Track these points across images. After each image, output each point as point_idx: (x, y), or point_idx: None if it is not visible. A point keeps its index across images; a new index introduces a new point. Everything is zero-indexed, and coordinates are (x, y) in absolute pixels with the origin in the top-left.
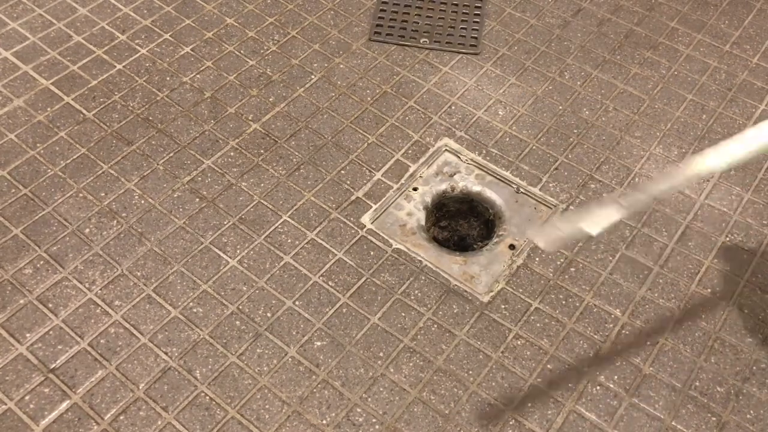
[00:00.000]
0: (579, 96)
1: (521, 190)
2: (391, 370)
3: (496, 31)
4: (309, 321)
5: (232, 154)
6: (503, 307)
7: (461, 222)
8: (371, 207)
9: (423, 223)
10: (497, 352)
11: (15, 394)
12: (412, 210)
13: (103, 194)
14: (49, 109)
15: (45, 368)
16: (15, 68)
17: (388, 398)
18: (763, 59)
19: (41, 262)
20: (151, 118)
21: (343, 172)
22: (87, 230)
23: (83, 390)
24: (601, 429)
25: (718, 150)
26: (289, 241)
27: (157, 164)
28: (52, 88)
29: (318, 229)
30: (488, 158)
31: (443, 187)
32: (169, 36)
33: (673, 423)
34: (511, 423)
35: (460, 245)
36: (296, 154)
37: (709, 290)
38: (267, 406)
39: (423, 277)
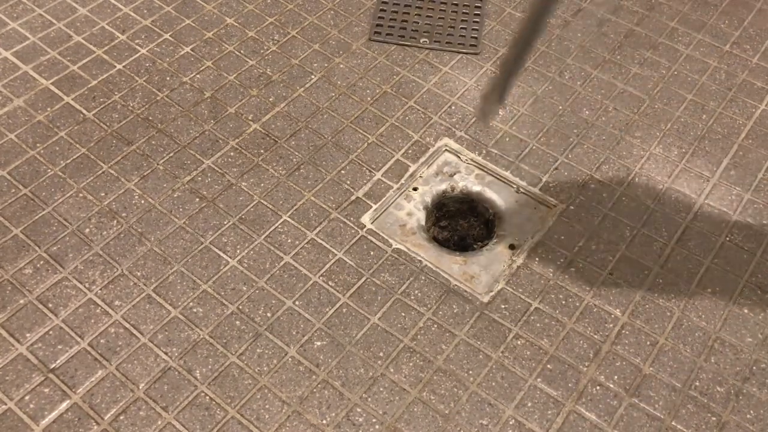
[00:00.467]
0: (579, 96)
1: (521, 190)
2: (391, 370)
3: (496, 31)
4: (309, 321)
5: (232, 154)
6: (503, 307)
7: (461, 222)
8: (371, 207)
9: (423, 223)
10: (497, 352)
11: (15, 394)
12: (412, 210)
13: (103, 194)
14: (49, 109)
15: (45, 368)
16: (15, 68)
17: (388, 398)
18: (763, 59)
19: (41, 262)
20: (151, 118)
21: (343, 172)
22: (87, 230)
23: (83, 390)
24: (601, 429)
25: None
26: (289, 241)
27: (157, 164)
28: (52, 88)
29: (318, 229)
30: (488, 158)
31: (443, 187)
32: (169, 36)
33: (673, 423)
34: (511, 423)
35: (460, 245)
36: (296, 154)
37: (709, 290)
38: (267, 406)
39: (423, 277)
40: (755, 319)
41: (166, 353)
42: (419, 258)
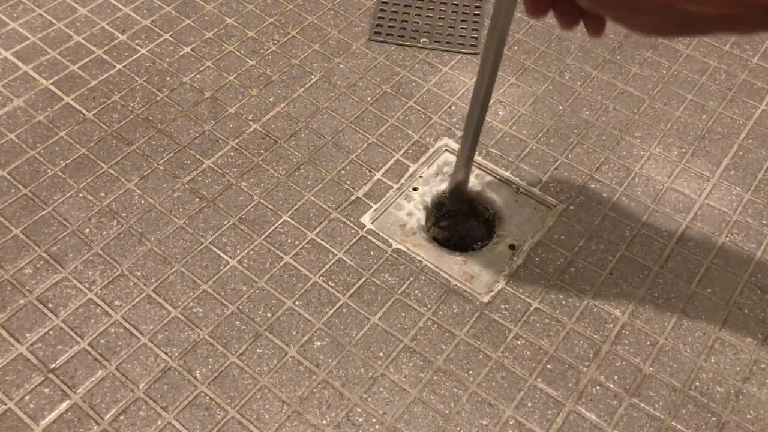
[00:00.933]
0: (579, 96)
1: (521, 190)
2: (391, 370)
3: None
4: (309, 321)
5: (232, 154)
6: (503, 307)
7: (461, 222)
8: (371, 207)
9: (423, 223)
10: (497, 352)
11: (15, 394)
12: (412, 210)
13: (103, 194)
14: (49, 109)
15: (45, 368)
16: (15, 68)
17: (388, 398)
18: (763, 59)
19: (41, 262)
20: (151, 118)
21: (343, 172)
22: (87, 230)
23: (83, 390)
24: (601, 429)
25: None
26: (289, 241)
27: (157, 164)
28: (52, 88)
29: (318, 229)
30: (488, 158)
31: (443, 187)
32: (169, 36)
33: (673, 423)
34: (511, 423)
35: (460, 245)
36: (296, 154)
37: (709, 290)
38: (267, 406)
39: (423, 277)
40: (755, 319)
41: (166, 353)
42: (419, 258)
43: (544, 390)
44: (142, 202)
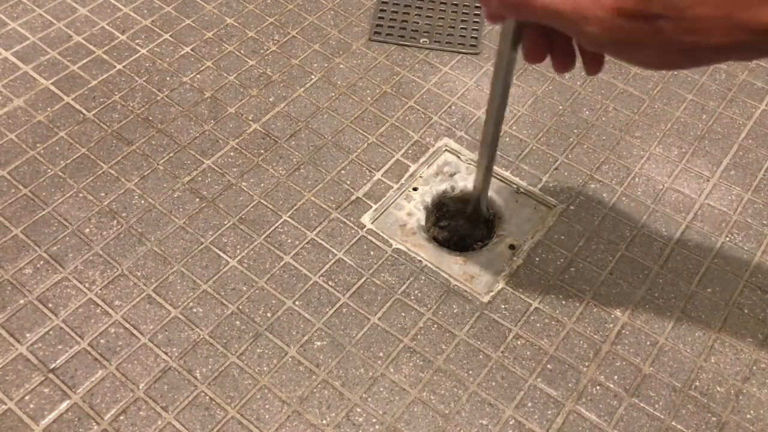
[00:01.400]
0: (579, 96)
1: (521, 190)
2: (391, 370)
3: (496, 31)
4: (309, 321)
5: (232, 154)
6: (503, 307)
7: (461, 222)
8: (371, 207)
9: (423, 223)
10: (497, 352)
11: (15, 394)
12: (412, 210)
13: (103, 194)
14: (49, 109)
15: (45, 368)
16: (15, 68)
17: (388, 398)
18: (763, 59)
19: (41, 262)
20: (151, 118)
21: (343, 172)
22: (87, 230)
23: (83, 390)
24: (601, 429)
25: None
26: (289, 241)
27: (157, 164)
28: (52, 88)
29: (318, 229)
30: None
31: (443, 187)
32: (169, 36)
33: (673, 423)
34: (511, 423)
35: (460, 245)
36: (296, 154)
37: (709, 290)
38: (267, 406)
39: (423, 277)
40: (755, 319)
41: (166, 353)
42: (419, 258)
43: (544, 390)
44: (142, 202)
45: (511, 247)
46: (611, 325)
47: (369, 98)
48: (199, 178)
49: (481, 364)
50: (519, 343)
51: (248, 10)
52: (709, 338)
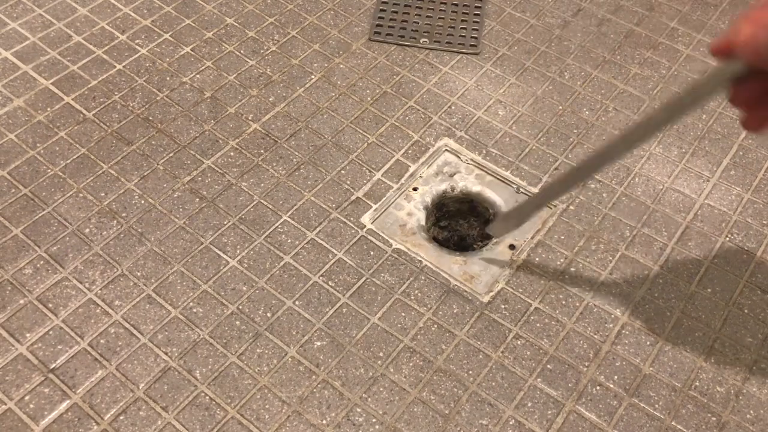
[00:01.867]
0: (579, 96)
1: (521, 190)
2: (391, 370)
3: (496, 31)
4: (309, 321)
5: (232, 154)
6: (503, 307)
7: (461, 222)
8: (371, 207)
9: (423, 223)
10: (497, 352)
11: (15, 394)
12: (412, 210)
13: (103, 194)
14: (49, 109)
15: (45, 368)
16: (15, 68)
17: (388, 398)
18: None
19: (41, 262)
20: (151, 118)
21: (343, 172)
22: (87, 230)
23: (83, 390)
24: (601, 429)
25: None
26: (289, 241)
27: (157, 164)
28: (52, 88)
29: (318, 229)
30: (488, 158)
31: (443, 187)
32: (169, 36)
33: (673, 423)
34: (511, 423)
35: (460, 245)
36: (296, 154)
37: (709, 290)
38: (267, 406)
39: (423, 277)
40: (755, 319)
41: (166, 353)
42: (419, 258)
43: (544, 390)
44: (142, 202)
45: (511, 247)
46: (611, 325)
47: (369, 98)
48: (199, 178)
49: (481, 364)
50: (519, 343)
51: (248, 10)
52: (709, 338)
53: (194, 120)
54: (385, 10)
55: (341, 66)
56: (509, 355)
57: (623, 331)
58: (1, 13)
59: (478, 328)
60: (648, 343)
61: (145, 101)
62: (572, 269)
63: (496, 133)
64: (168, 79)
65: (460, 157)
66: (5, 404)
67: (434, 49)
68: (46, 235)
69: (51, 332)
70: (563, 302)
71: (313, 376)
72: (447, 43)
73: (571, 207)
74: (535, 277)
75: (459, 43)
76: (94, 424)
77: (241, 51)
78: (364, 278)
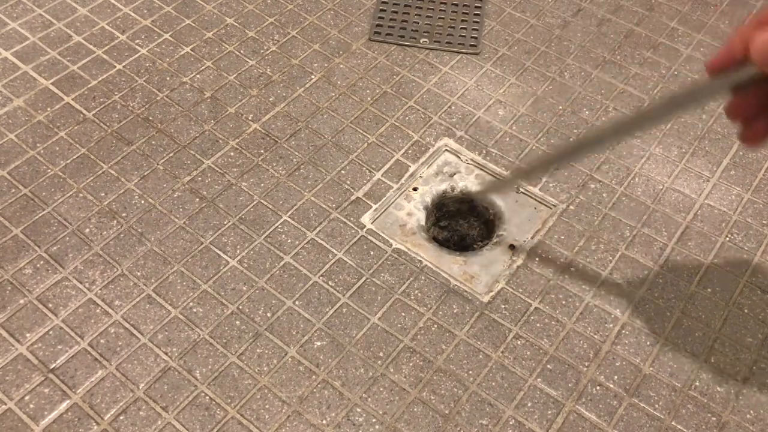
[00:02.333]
0: (579, 96)
1: (521, 190)
2: (391, 370)
3: (496, 31)
4: (309, 321)
5: (232, 154)
6: (503, 307)
7: (461, 222)
8: (371, 207)
9: (423, 223)
10: (497, 352)
11: (15, 394)
12: (412, 210)
13: (103, 194)
14: (49, 109)
15: (45, 368)
16: (15, 68)
17: (388, 398)
18: None
19: (41, 262)
20: (151, 118)
21: (343, 172)
22: (87, 230)
23: (83, 390)
24: (601, 429)
25: None
26: (289, 241)
27: (157, 164)
28: (52, 88)
29: (318, 229)
30: (488, 158)
31: (443, 187)
32: (169, 36)
33: (673, 423)
34: (511, 423)
35: (460, 245)
36: (296, 154)
37: (709, 290)
38: (267, 406)
39: (423, 277)
40: (755, 319)
41: (166, 353)
42: (419, 258)
43: (544, 390)
44: (142, 202)
45: (511, 247)
46: (611, 325)
47: (369, 98)
48: (199, 178)
49: (481, 364)
50: (519, 343)
51: (248, 10)
52: (709, 338)
53: (194, 120)
54: (385, 10)
55: (341, 66)
56: (509, 355)
57: (623, 331)
58: (1, 13)
59: (478, 328)
60: (648, 343)
61: (145, 101)
62: (572, 269)
63: (496, 133)
64: (168, 79)
65: (460, 157)
66: (5, 404)
67: (434, 49)
68: (46, 235)
69: (51, 332)
70: (563, 302)
71: (313, 376)
72: (447, 43)
73: (571, 207)
74: (535, 277)
75: (459, 43)
76: (94, 424)
77: (241, 51)
78: (364, 278)
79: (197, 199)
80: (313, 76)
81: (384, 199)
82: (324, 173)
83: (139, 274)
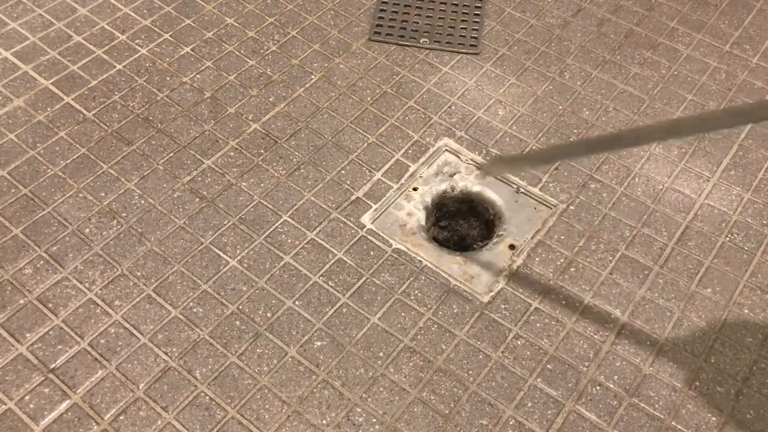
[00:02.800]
0: (579, 96)
1: (521, 190)
2: (391, 370)
3: (496, 31)
4: (309, 321)
5: (232, 154)
6: (503, 307)
7: (461, 222)
8: (371, 207)
9: (423, 223)
10: (497, 352)
11: (15, 394)
12: (412, 210)
13: (103, 194)
14: (49, 109)
15: (45, 368)
16: (15, 68)
17: (388, 398)
18: (763, 59)
19: (41, 262)
20: (151, 118)
21: (343, 172)
22: (87, 230)
23: (83, 390)
24: (601, 429)
25: None
26: (289, 241)
27: (157, 164)
28: (52, 88)
29: (318, 229)
30: (488, 158)
31: (443, 187)
32: (169, 36)
33: (673, 423)
34: (511, 423)
35: (460, 245)
36: (296, 154)
37: (709, 290)
38: (267, 406)
39: (423, 277)
40: (755, 319)
41: (166, 353)
42: (419, 258)
43: (544, 390)
44: (142, 202)
45: (511, 247)
46: (611, 325)
47: (369, 98)
48: (199, 178)
49: (481, 364)
50: (519, 343)
51: (248, 10)
52: (709, 338)
53: (194, 120)
54: (385, 10)
55: (341, 66)
56: (509, 355)
57: (623, 331)
58: (1, 13)
59: (478, 328)
60: (648, 343)
61: (145, 101)
62: (572, 269)
63: (496, 133)
64: (168, 79)
65: (460, 157)
66: (5, 404)
67: (434, 49)
68: (46, 235)
69: (51, 332)
70: (563, 302)
71: (313, 376)
72: (447, 43)
73: (571, 207)
74: (535, 277)
75: (459, 43)
76: (94, 424)
77: (241, 51)
78: (364, 278)
79: (197, 199)
80: (313, 76)
81: (384, 199)
82: (324, 173)
83: (139, 274)
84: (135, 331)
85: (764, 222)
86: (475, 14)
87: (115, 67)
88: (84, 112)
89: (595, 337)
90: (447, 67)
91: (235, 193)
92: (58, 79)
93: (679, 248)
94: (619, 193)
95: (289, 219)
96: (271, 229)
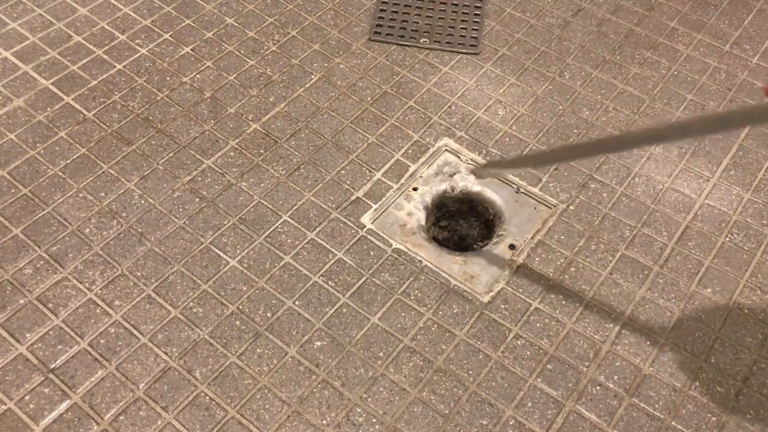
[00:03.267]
0: (579, 96)
1: (521, 190)
2: (391, 370)
3: (496, 31)
4: (309, 321)
5: (232, 154)
6: (503, 307)
7: (461, 222)
8: (371, 207)
9: (423, 223)
10: (497, 352)
11: (15, 394)
12: (412, 210)
13: (103, 194)
14: (49, 109)
15: (45, 368)
16: (15, 68)
17: (388, 398)
18: (763, 59)
19: (41, 262)
20: (151, 118)
21: (343, 172)
22: (87, 230)
23: (83, 390)
24: (601, 429)
25: None
26: (289, 241)
27: (157, 164)
28: (52, 88)
29: (318, 229)
30: (488, 158)
31: (443, 187)
32: (169, 36)
33: (673, 423)
34: (511, 423)
35: (460, 245)
36: (296, 154)
37: (709, 290)
38: (267, 406)
39: (423, 277)
40: (755, 319)
41: (166, 353)
42: (419, 258)
43: (544, 390)
44: (142, 202)
45: (511, 247)
46: (611, 325)
47: (369, 98)
48: (199, 178)
49: (481, 364)
50: (519, 343)
51: (248, 10)
52: (709, 338)
53: (194, 120)
54: (385, 10)
55: (341, 66)
56: (509, 355)
57: (623, 331)
58: (1, 13)
59: (478, 328)
60: (648, 343)
61: (145, 101)
62: (572, 269)
63: (496, 133)
64: (168, 79)
65: (460, 157)
66: (5, 404)
67: (434, 49)
68: (46, 235)
69: (51, 332)
70: (563, 302)
71: (313, 376)
72: (447, 43)
73: (571, 207)
74: (535, 277)
75: (459, 43)
76: (94, 424)
77: (241, 51)
78: (364, 278)
79: (197, 199)
80: (313, 76)
81: (384, 199)
82: (324, 173)
83: (139, 274)
84: (135, 331)
85: (764, 222)
86: (475, 14)
87: (115, 67)
88: (84, 112)
89: (595, 337)
90: (447, 67)
91: (235, 193)
92: (58, 79)
93: (679, 248)
94: (619, 193)
95: (289, 219)
96: (271, 229)
